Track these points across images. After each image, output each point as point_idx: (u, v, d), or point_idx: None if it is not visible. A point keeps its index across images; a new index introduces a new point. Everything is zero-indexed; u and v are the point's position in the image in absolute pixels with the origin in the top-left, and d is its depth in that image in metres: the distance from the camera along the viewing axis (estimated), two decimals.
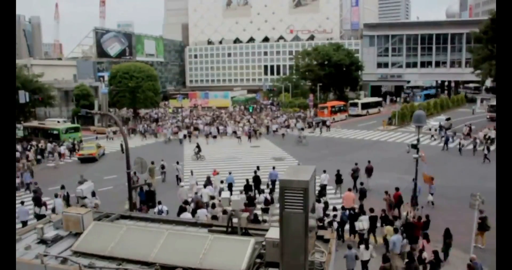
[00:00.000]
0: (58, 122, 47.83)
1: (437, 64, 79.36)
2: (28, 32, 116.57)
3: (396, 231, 14.13)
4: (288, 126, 46.52)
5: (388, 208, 17.67)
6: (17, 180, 24.48)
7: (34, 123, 44.99)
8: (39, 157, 33.84)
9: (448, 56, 77.97)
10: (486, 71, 43.86)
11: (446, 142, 33.75)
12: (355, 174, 22.71)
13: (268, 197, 18.46)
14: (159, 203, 17.28)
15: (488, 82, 69.62)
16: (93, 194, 18.86)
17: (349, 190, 18.80)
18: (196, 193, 19.64)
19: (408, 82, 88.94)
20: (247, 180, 20.79)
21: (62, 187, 20.77)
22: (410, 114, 40.12)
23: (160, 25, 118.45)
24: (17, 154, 31.84)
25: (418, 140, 18.86)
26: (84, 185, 19.22)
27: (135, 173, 19.28)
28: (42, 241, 7.77)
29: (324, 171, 21.46)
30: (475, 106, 59.55)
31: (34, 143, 37.56)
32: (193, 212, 16.51)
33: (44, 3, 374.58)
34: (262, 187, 21.18)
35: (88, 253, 7.13)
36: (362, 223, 15.17)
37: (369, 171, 23.06)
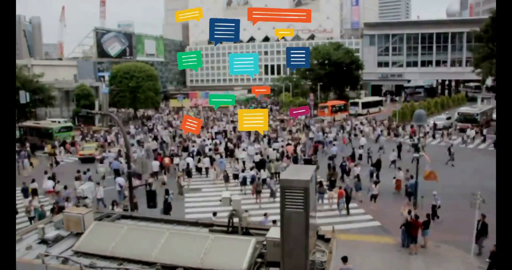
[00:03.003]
0: (59, 122, 47.83)
1: (438, 63, 79.17)
2: (29, 32, 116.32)
3: None
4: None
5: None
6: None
7: (29, 123, 45.08)
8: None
9: (448, 55, 77.83)
10: (486, 70, 43.78)
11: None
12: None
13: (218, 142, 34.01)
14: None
15: (489, 81, 69.33)
16: None
17: (288, 144, 30.24)
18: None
19: (409, 81, 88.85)
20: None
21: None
22: (411, 114, 40.06)
23: (160, 25, 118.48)
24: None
25: (418, 139, 18.85)
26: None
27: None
28: (43, 241, 7.77)
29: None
30: (475, 105, 59.40)
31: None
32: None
33: (44, 3, 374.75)
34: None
35: (89, 253, 7.14)
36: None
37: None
